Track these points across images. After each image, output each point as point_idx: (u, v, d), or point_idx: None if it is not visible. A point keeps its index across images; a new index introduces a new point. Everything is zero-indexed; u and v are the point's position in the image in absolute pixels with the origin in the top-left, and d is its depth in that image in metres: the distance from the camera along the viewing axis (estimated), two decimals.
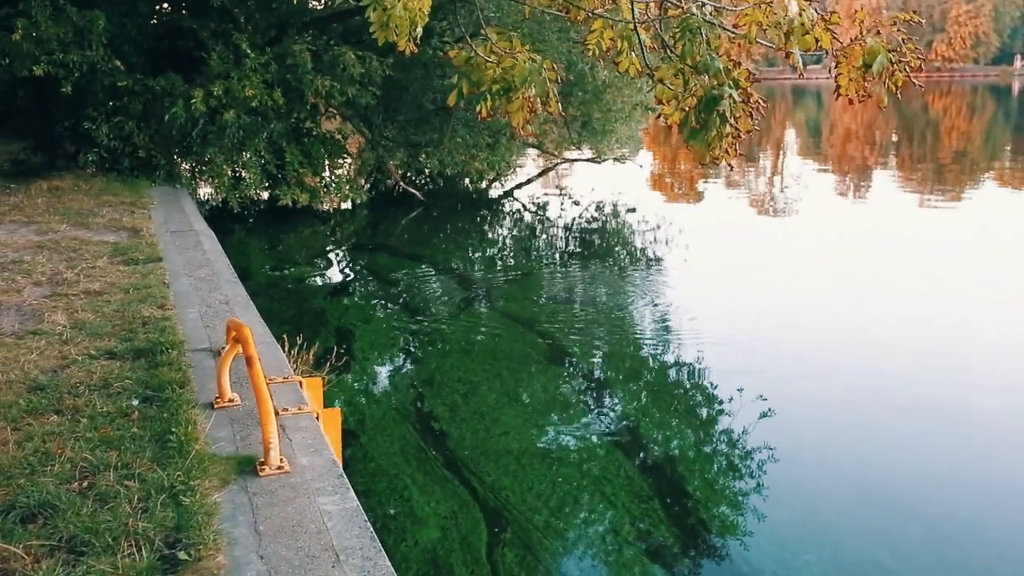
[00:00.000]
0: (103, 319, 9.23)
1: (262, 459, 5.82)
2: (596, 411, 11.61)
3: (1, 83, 21.01)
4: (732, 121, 6.05)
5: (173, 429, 6.29)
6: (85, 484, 5.57)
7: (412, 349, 13.99)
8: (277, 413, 6.23)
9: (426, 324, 15.17)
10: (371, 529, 5.17)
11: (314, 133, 23.69)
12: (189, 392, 7.12)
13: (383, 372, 13.05)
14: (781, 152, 51.10)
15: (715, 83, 5.97)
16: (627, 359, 13.86)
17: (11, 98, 24.47)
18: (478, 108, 7.58)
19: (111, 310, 9.56)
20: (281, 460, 5.82)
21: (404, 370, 13.16)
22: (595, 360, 13.78)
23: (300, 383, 7.53)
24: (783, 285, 18.28)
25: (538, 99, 7.10)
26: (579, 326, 15.34)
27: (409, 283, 18.17)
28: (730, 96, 5.91)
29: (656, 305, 16.75)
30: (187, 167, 22.08)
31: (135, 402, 7.04)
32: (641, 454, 10.36)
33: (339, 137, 25.46)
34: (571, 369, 13.29)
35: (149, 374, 7.57)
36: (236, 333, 6.62)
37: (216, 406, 6.85)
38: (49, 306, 9.63)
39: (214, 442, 6.21)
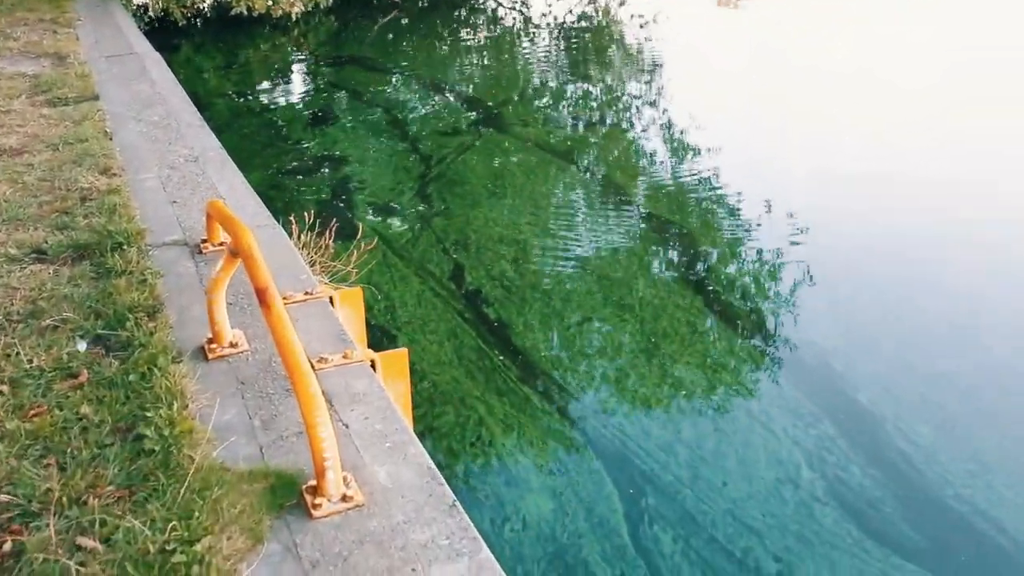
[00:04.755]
0: (24, 193, 6.55)
1: (312, 481, 3.37)
2: (615, 223, 10.30)
3: None
4: None
5: (148, 412, 3.80)
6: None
7: (421, 189, 11.36)
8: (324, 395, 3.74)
9: (425, 151, 12.54)
10: None
11: None
12: (164, 327, 4.57)
13: (397, 224, 10.44)
14: None
15: None
16: (638, 172, 12.20)
17: None
18: None
19: (35, 179, 6.85)
20: (344, 479, 3.38)
21: (420, 214, 10.56)
22: (600, 173, 12.18)
23: (331, 299, 4.99)
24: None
25: None
26: (578, 138, 13.55)
27: (393, 102, 15.32)
28: None
29: (665, 111, 14.78)
30: None
31: (80, 345, 4.52)
32: (665, 262, 9.45)
33: None
34: (584, 180, 12.01)
35: (99, 290, 5.01)
36: (233, 241, 4.01)
37: (210, 355, 4.33)
38: None
39: (219, 436, 3.73)
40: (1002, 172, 12.00)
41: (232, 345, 4.39)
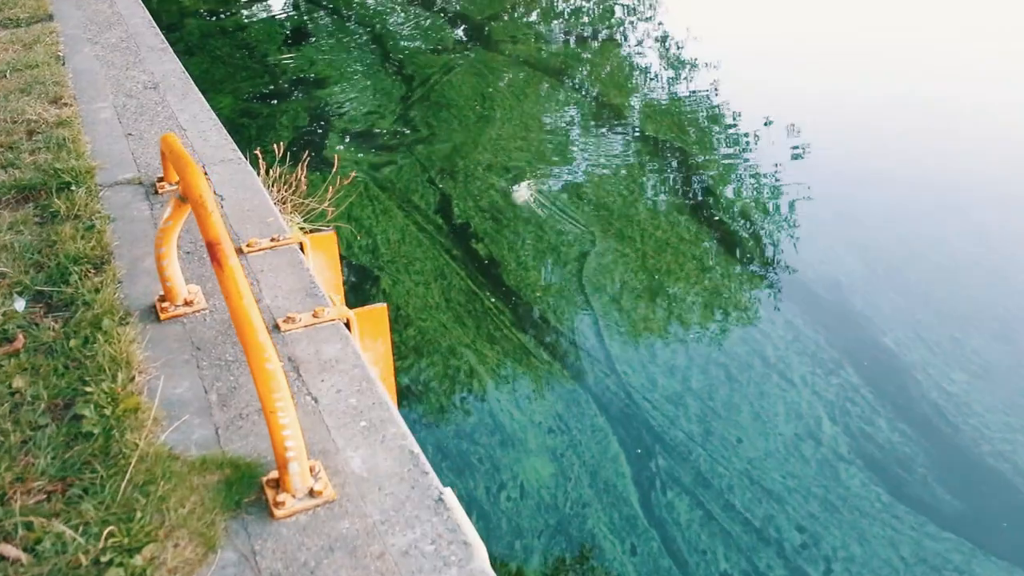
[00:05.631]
0: None
1: (274, 473, 2.88)
2: (611, 146, 9.87)
3: None
4: None
5: (88, 386, 3.29)
6: None
7: (404, 113, 10.68)
8: (286, 360, 3.24)
9: (409, 71, 11.84)
10: None
11: None
12: (111, 282, 4.03)
13: (377, 153, 9.80)
14: None
15: None
16: (634, 89, 11.71)
17: None
18: None
19: None
20: (312, 469, 2.89)
21: (403, 141, 9.92)
22: (594, 92, 11.66)
23: (302, 246, 4.44)
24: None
25: None
26: (570, 55, 12.99)
27: (376, 19, 14.53)
28: None
29: (660, 24, 14.23)
30: None
31: (18, 304, 3.99)
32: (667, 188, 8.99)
33: None
34: (578, 100, 11.46)
35: (42, 239, 4.46)
36: (183, 185, 3.46)
37: (162, 315, 3.80)
38: None
39: (168, 415, 3.23)
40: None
41: (187, 303, 3.85)
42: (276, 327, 3.70)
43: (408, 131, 10.06)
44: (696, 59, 12.88)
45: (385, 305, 4.07)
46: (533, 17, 15.00)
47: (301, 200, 5.54)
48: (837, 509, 4.89)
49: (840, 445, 5.33)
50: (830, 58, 12.73)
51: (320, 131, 10.03)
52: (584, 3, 16.23)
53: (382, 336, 4.14)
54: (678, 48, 13.56)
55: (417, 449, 3.09)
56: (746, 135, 10.06)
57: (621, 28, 14.62)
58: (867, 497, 4.97)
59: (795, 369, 5.98)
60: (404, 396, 5.56)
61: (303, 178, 5.62)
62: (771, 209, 8.20)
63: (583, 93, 11.46)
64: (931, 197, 8.49)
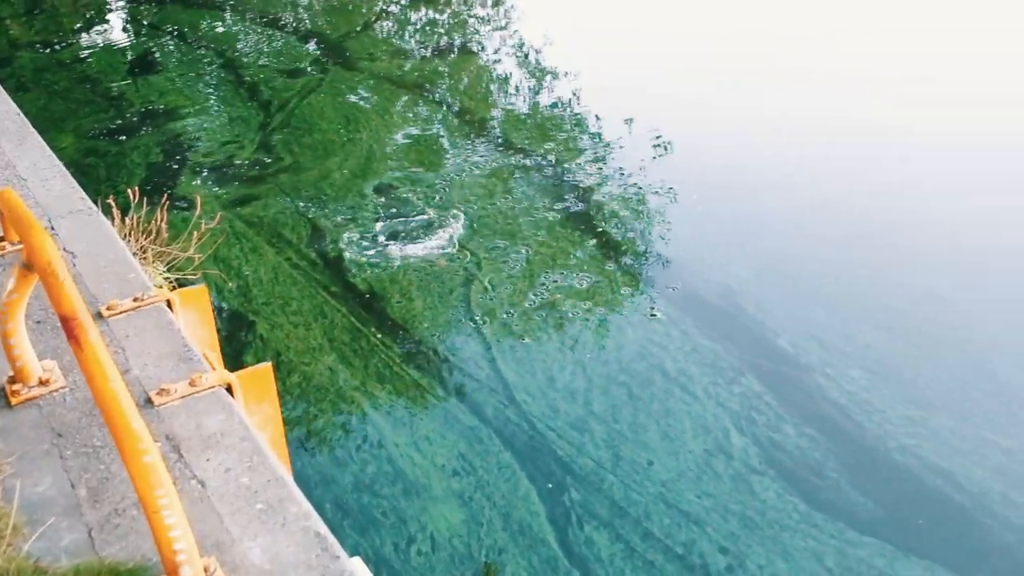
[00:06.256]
0: None
1: None
2: (482, 158, 9.78)
3: None
4: None
5: None
6: None
7: (265, 142, 10.22)
8: (167, 438, 2.87)
9: (266, 96, 11.37)
10: None
11: None
12: None
13: (240, 187, 9.29)
14: None
15: None
16: (497, 100, 11.66)
17: None
18: None
19: None
20: (207, 569, 2.54)
21: (267, 172, 9.44)
22: (458, 105, 11.53)
23: (169, 303, 4.03)
24: None
25: None
26: (430, 69, 12.78)
27: (226, 42, 13.90)
28: None
29: (516, 32, 14.26)
30: None
31: None
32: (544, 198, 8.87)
33: None
34: (443, 115, 11.25)
35: None
36: (27, 251, 3.05)
37: (13, 399, 3.36)
38: None
39: (31, 519, 2.81)
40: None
41: (42, 383, 3.41)
42: (149, 401, 3.31)
43: (270, 160, 9.60)
44: (556, 66, 12.87)
45: (270, 364, 3.72)
46: (389, 32, 14.70)
47: (162, 248, 5.09)
48: (757, 525, 4.80)
49: (751, 457, 5.26)
50: (689, 59, 12.91)
51: (176, 167, 9.45)
52: (438, 15, 16.03)
53: (269, 398, 3.78)
54: (536, 54, 13.53)
55: (323, 529, 2.77)
56: (614, 141, 10.06)
57: (478, 38, 14.48)
58: (784, 509, 4.91)
59: (696, 381, 5.90)
60: (295, 453, 5.18)
61: (163, 224, 5.17)
62: (652, 217, 8.18)
63: (447, 107, 11.26)
64: (807, 197, 8.63)
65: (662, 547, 4.65)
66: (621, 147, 9.80)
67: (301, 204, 8.56)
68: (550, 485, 5.07)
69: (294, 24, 15.10)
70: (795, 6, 15.69)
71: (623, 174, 9.13)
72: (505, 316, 6.68)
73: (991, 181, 8.91)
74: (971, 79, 11.86)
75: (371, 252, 7.50)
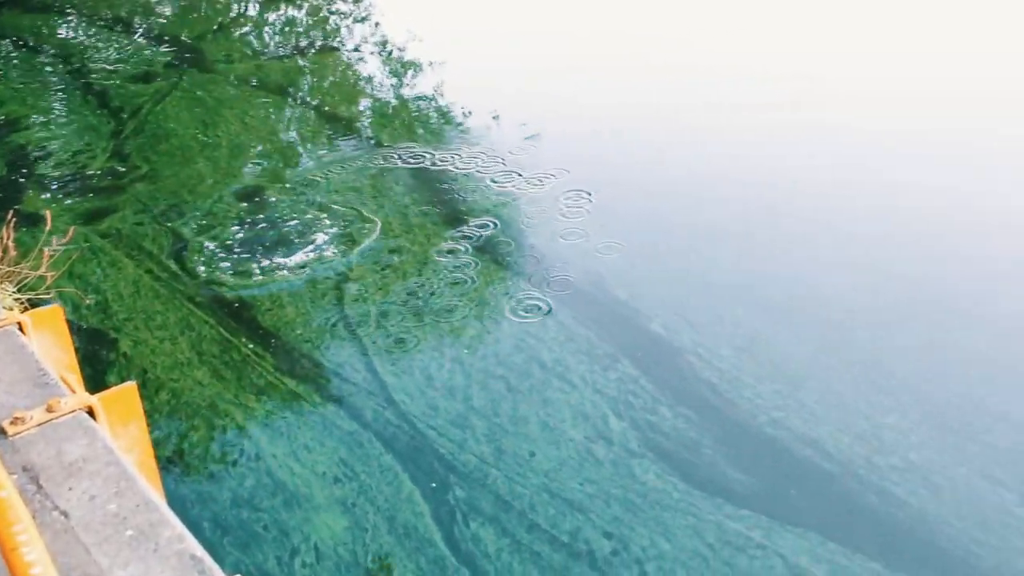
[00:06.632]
0: None
1: None
2: (350, 157, 9.67)
3: None
4: None
5: None
6: None
7: (118, 151, 9.80)
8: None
9: (117, 103, 10.91)
10: None
11: None
12: None
13: (94, 199, 8.87)
14: None
15: None
16: (361, 95, 11.45)
17: None
18: None
19: None
20: None
21: (121, 182, 9.05)
22: (322, 103, 11.37)
23: (21, 326, 3.82)
24: None
25: None
26: (291, 67, 12.63)
27: (70, 48, 13.28)
28: None
29: (377, 25, 14.06)
30: None
31: None
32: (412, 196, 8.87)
33: None
34: (306, 115, 11.06)
35: None
36: None
37: None
38: None
39: None
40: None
41: None
42: (2, 432, 3.12)
43: (125, 169, 9.20)
44: (419, 60, 12.80)
45: (134, 383, 3.56)
46: (246, 32, 14.32)
47: (10, 268, 4.80)
48: (639, 508, 4.90)
49: (630, 441, 5.37)
50: (550, 52, 13.05)
51: (22, 181, 8.95)
52: (296, 13, 15.72)
53: (135, 419, 3.62)
54: (400, 51, 13.42)
55: (199, 551, 2.67)
56: (482, 135, 10.10)
57: (338, 36, 14.27)
58: (664, 490, 5.03)
59: (573, 370, 5.97)
60: (169, 474, 4.99)
61: (10, 242, 4.86)
62: (521, 210, 8.21)
63: (309, 106, 11.03)
64: (674, 184, 8.85)
65: (548, 537, 4.70)
66: (490, 141, 9.84)
67: (160, 213, 8.24)
68: (434, 484, 5.05)
69: (144, 27, 14.53)
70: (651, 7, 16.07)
71: (492, 167, 9.16)
72: (379, 317, 6.61)
73: (849, 163, 9.36)
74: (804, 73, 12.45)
75: (237, 260, 7.29)
